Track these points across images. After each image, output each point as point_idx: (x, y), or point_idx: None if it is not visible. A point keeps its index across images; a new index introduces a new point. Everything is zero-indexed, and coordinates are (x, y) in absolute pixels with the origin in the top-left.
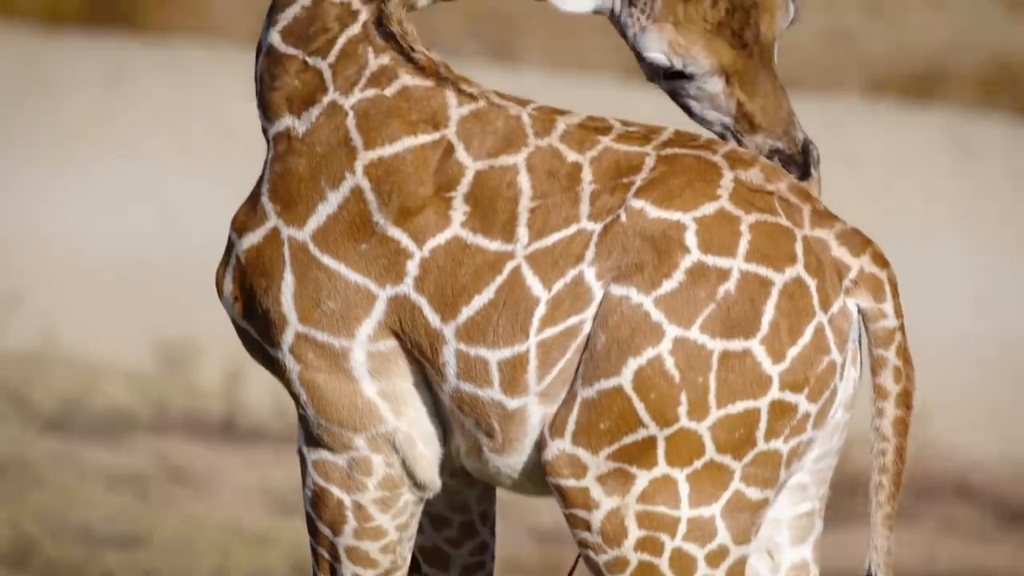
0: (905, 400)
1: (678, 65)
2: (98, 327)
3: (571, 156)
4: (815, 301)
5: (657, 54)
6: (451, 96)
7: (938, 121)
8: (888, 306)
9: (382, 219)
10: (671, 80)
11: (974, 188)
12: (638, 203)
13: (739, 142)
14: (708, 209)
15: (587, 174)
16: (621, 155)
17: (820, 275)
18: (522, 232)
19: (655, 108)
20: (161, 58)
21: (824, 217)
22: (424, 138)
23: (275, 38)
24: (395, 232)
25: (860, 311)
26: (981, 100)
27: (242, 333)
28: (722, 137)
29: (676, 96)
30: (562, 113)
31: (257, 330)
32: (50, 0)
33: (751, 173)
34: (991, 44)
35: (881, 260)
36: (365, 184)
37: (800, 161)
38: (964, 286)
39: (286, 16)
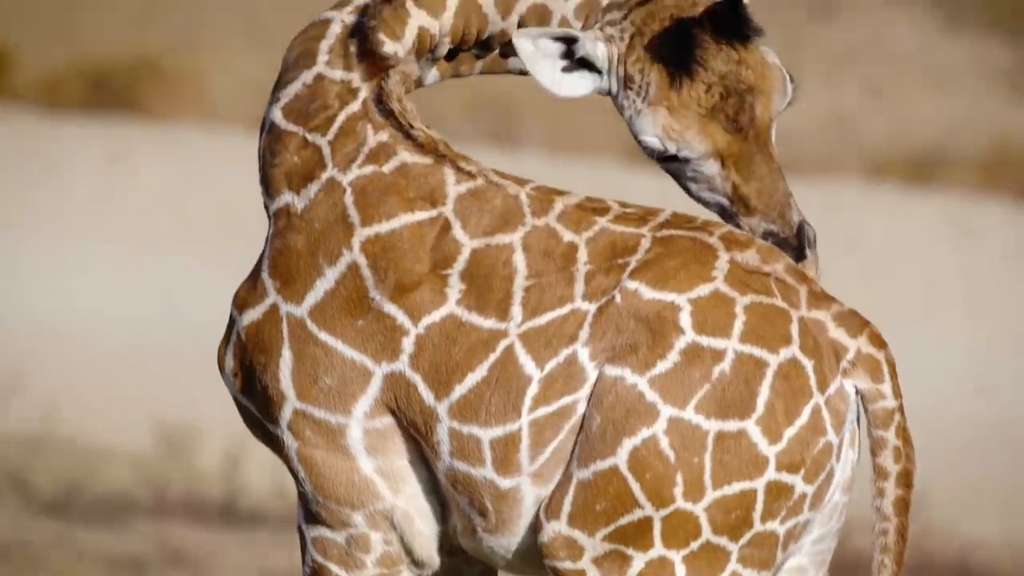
0: (906, 480)
1: (672, 149)
2: (98, 410)
3: (567, 236)
4: (812, 382)
5: (651, 138)
6: (449, 173)
7: (939, 204)
8: (886, 387)
9: (378, 295)
10: (666, 162)
11: (975, 271)
12: (633, 284)
13: (735, 223)
14: (703, 290)
15: (583, 254)
16: (617, 236)
17: (817, 356)
18: (516, 311)
19: (656, 190)
20: (162, 141)
21: (821, 298)
22: (421, 215)
23: (276, 115)
24: (391, 308)
25: (858, 392)
26: (982, 183)
27: (243, 410)
28: (722, 216)
29: (674, 176)
30: (561, 193)
31: (257, 406)
32: (52, 82)
33: (747, 255)
34: (991, 127)
35: (879, 341)
36: (362, 260)
37: (795, 244)
38: (965, 368)
39: (287, 93)
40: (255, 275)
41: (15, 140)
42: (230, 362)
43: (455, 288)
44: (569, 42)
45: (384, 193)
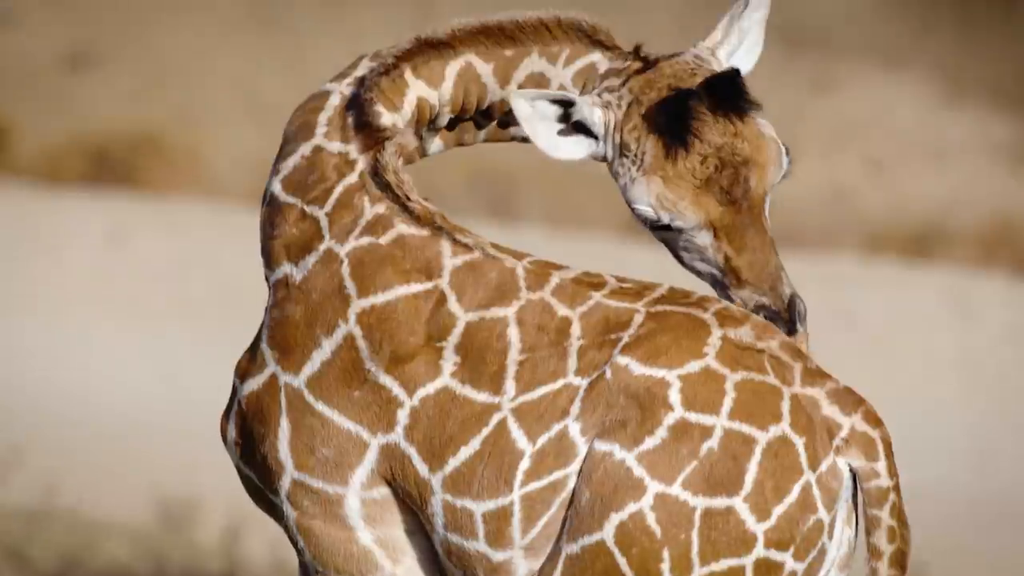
0: (899, 560)
1: (665, 219)
2: (98, 484)
3: (561, 311)
4: (802, 459)
5: (644, 207)
6: (446, 246)
7: (938, 279)
8: (881, 465)
9: (374, 366)
10: (659, 231)
11: (973, 347)
12: (624, 360)
13: (727, 295)
14: (693, 367)
15: (576, 329)
16: (611, 311)
17: (809, 433)
18: (509, 385)
19: (653, 264)
20: (161, 216)
21: (816, 375)
22: (417, 287)
23: (276, 187)
24: (386, 380)
25: (852, 470)
26: (980, 258)
27: (244, 479)
28: (714, 287)
29: (667, 245)
30: (558, 267)
31: (257, 476)
32: (51, 158)
33: (741, 331)
34: (991, 202)
35: (874, 419)
36: (357, 331)
37: (786, 317)
38: (963, 444)
39: (287, 165)
40: (255, 345)
41: (14, 215)
42: (232, 431)
43: (449, 361)
44: (566, 105)
45: (380, 265)
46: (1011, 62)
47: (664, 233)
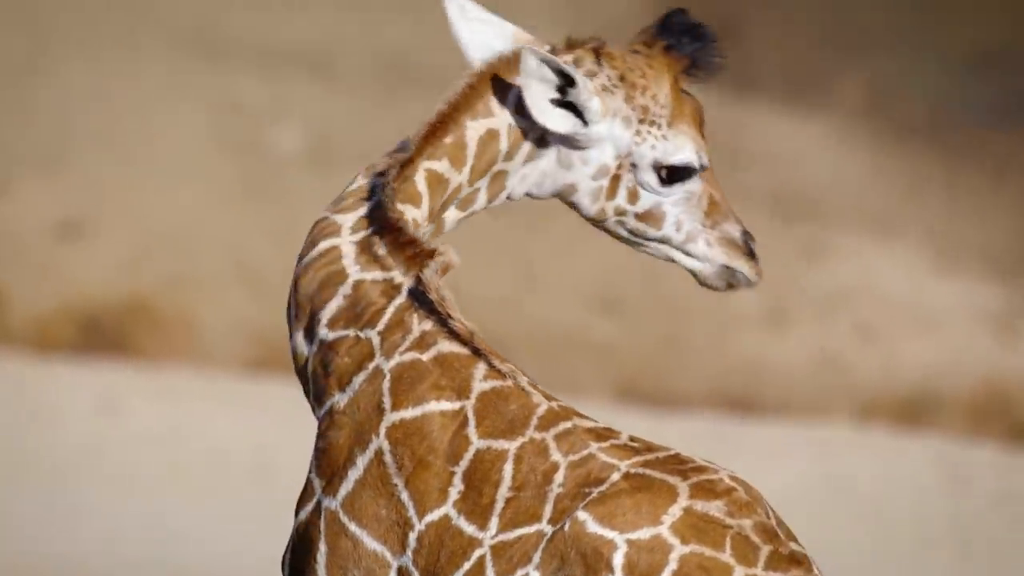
0: None
1: (704, 160)
2: None
3: (554, 455)
4: None
5: (689, 154)
6: (481, 368)
7: (929, 446)
8: None
9: (399, 483)
10: (672, 184)
11: (965, 514)
12: (583, 515)
13: (702, 248)
14: (644, 533)
15: (560, 476)
16: (596, 464)
17: None
18: (494, 521)
19: (647, 431)
20: (153, 384)
21: (788, 562)
22: (446, 405)
23: (324, 332)
24: (405, 498)
25: None
26: (972, 426)
27: None
28: (689, 241)
29: (652, 220)
30: (582, 417)
31: None
32: (42, 326)
33: (712, 505)
34: (981, 370)
35: None
36: (385, 446)
37: (752, 245)
38: None
39: (328, 311)
40: (307, 478)
41: (5, 383)
42: (287, 563)
43: (456, 488)
44: (568, 82)
45: (417, 380)
46: (1001, 230)
47: (673, 187)
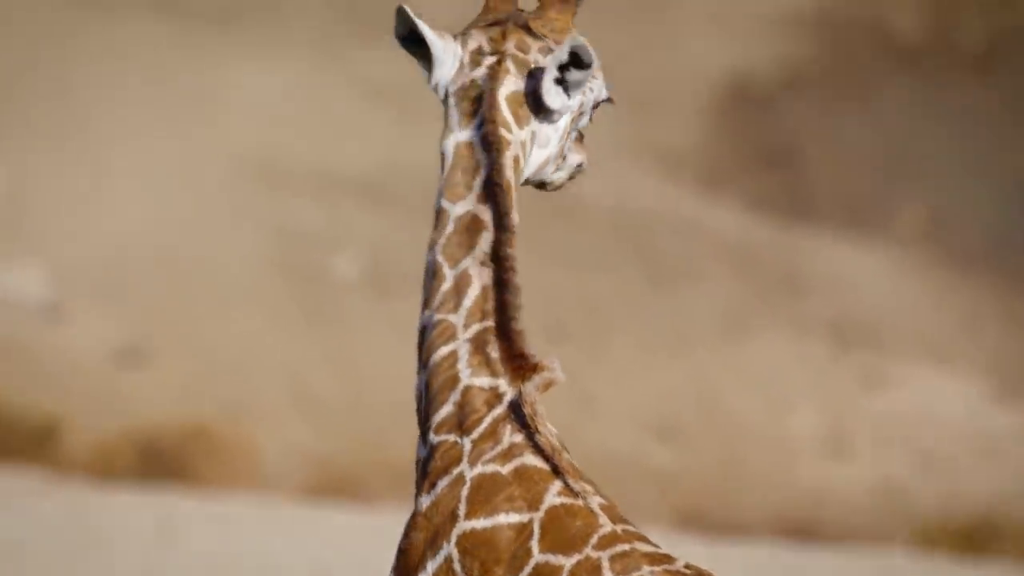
0: None
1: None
2: None
3: (606, 575)
4: None
5: (602, 80)
6: (556, 485)
7: (989, 575)
8: None
9: None
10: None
11: None
12: None
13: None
14: None
15: None
16: None
17: None
18: None
19: (706, 557)
20: (212, 510)
21: None
22: (516, 517)
23: (432, 436)
24: None
25: None
26: None
27: None
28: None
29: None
30: (644, 541)
31: None
32: (102, 453)
33: None
34: None
35: None
36: (455, 554)
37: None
38: None
39: (440, 415)
40: None
41: (66, 511)
42: None
43: None
44: (581, 66)
45: (494, 492)
46: None
47: (590, 114)
